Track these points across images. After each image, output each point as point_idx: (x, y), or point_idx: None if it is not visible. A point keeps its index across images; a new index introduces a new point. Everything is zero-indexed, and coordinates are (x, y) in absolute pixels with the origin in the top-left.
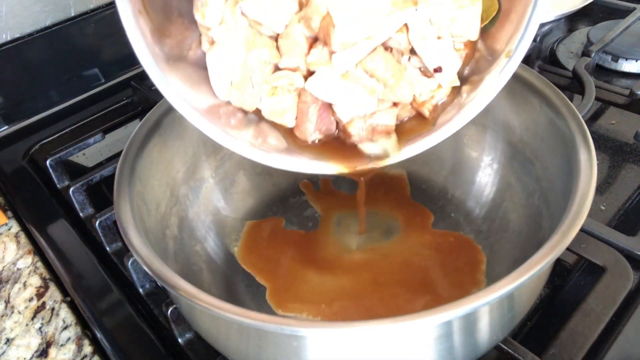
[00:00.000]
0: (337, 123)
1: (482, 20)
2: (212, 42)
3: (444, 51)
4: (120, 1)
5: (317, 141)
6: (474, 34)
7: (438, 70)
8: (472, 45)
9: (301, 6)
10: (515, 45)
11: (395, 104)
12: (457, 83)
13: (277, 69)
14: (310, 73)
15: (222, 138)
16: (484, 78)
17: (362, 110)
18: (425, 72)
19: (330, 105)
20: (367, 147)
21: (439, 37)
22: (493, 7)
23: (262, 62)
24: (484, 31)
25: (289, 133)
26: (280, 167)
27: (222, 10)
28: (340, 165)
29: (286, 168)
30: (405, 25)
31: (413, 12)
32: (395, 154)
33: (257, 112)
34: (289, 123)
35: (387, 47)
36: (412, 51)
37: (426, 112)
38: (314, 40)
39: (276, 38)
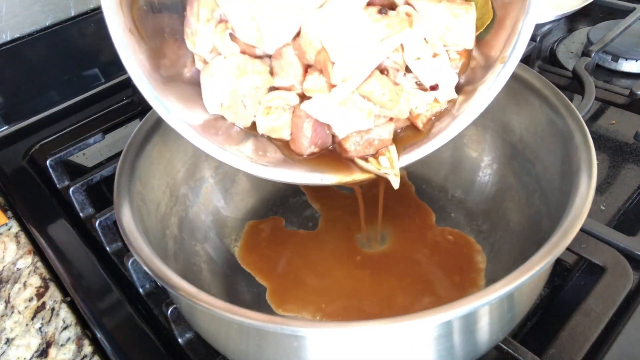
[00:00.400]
0: (333, 136)
1: (477, 28)
2: (205, 62)
3: (440, 69)
4: (111, 20)
5: (313, 154)
6: (470, 43)
7: (435, 87)
8: (467, 54)
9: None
10: (510, 51)
11: (391, 119)
12: (455, 96)
13: (271, 87)
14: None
15: (223, 155)
16: (478, 88)
17: (359, 128)
18: (421, 86)
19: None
20: (363, 164)
21: (434, 55)
22: (487, 14)
23: (254, 88)
24: (479, 39)
25: (285, 146)
26: (279, 180)
27: (212, 38)
28: (337, 176)
29: (285, 181)
30: (401, 44)
31: (408, 33)
32: (392, 171)
33: (253, 127)
34: (286, 137)
35: (382, 69)
36: (408, 68)
37: (420, 125)
38: (308, 65)
39: (269, 59)
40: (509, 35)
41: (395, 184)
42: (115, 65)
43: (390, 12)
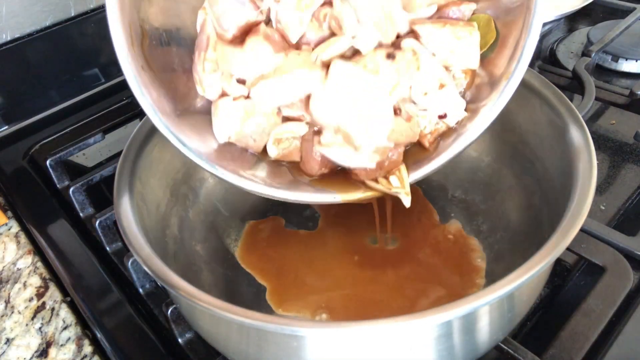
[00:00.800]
0: None
1: (481, 47)
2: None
3: (447, 99)
4: (124, 59)
5: (323, 175)
6: (474, 63)
7: (443, 116)
8: (472, 73)
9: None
10: (513, 68)
11: None
12: (463, 115)
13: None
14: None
15: (240, 181)
16: (482, 105)
17: (374, 162)
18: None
19: None
20: (374, 185)
21: (441, 86)
22: (490, 33)
23: (260, 127)
24: (483, 57)
25: (296, 167)
26: (293, 200)
27: (220, 84)
28: (348, 195)
29: (298, 201)
30: None
31: (417, 75)
32: (403, 190)
33: (264, 151)
34: (297, 159)
35: (394, 109)
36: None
37: (427, 144)
38: None
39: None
40: (513, 53)
41: (407, 202)
42: (115, 66)
43: (398, 55)
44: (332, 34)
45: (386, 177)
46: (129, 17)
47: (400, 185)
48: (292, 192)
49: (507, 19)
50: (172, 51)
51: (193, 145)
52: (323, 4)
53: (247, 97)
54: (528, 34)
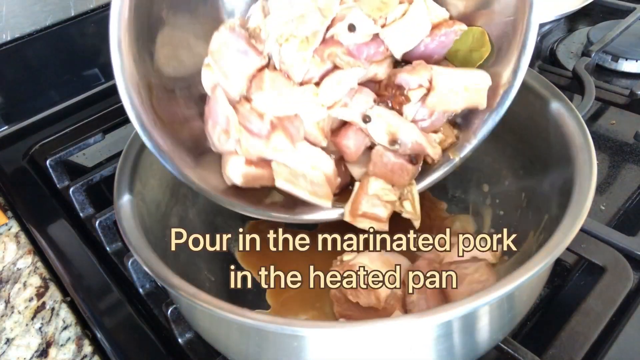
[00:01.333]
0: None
1: (476, 60)
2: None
3: None
4: (136, 123)
5: (334, 195)
6: (482, 105)
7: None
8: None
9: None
10: (510, 80)
11: None
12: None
13: None
14: None
15: (263, 213)
16: (481, 118)
17: None
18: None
19: (342, 162)
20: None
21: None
22: (485, 47)
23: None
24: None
25: None
26: (309, 221)
27: (234, 147)
28: None
29: (314, 220)
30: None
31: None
32: (414, 216)
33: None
34: None
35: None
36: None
37: (430, 161)
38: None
39: None
40: (508, 66)
41: (417, 225)
42: None
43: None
44: (335, 67)
45: (400, 199)
46: (134, 76)
47: (412, 211)
48: (307, 211)
49: (502, 32)
50: (177, 98)
51: (211, 184)
52: (323, 41)
53: (257, 165)
54: (524, 48)
